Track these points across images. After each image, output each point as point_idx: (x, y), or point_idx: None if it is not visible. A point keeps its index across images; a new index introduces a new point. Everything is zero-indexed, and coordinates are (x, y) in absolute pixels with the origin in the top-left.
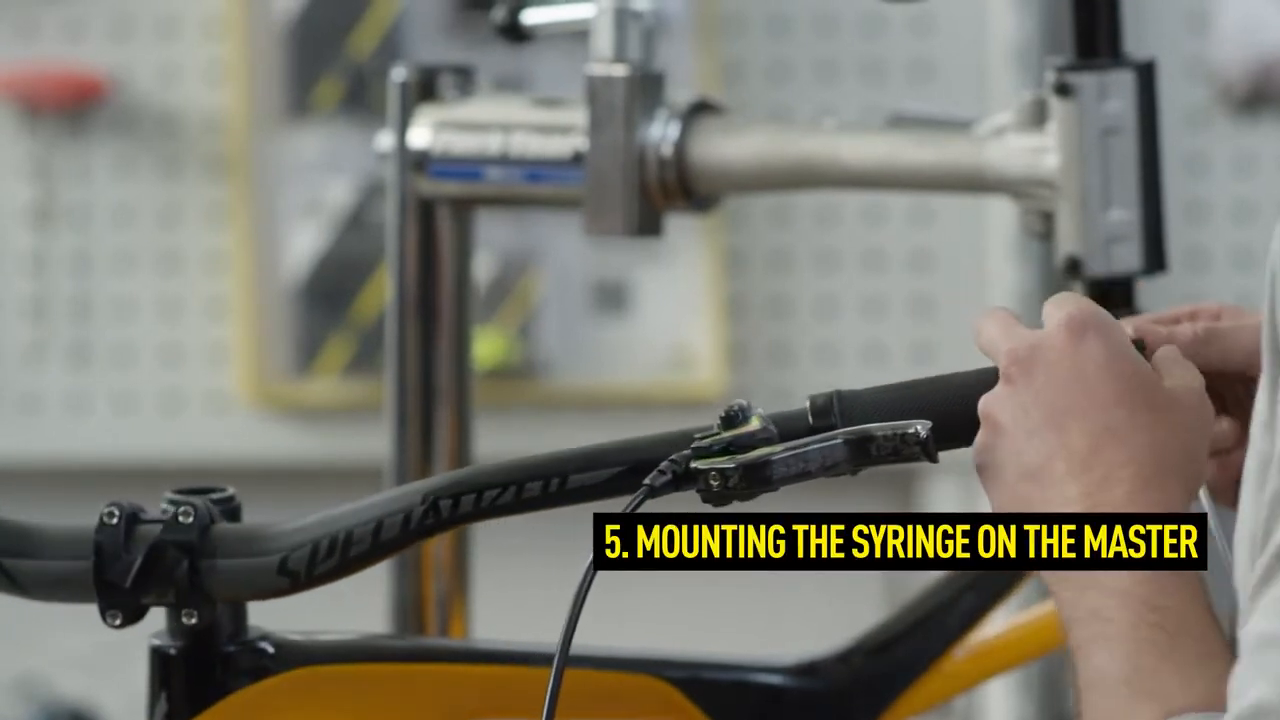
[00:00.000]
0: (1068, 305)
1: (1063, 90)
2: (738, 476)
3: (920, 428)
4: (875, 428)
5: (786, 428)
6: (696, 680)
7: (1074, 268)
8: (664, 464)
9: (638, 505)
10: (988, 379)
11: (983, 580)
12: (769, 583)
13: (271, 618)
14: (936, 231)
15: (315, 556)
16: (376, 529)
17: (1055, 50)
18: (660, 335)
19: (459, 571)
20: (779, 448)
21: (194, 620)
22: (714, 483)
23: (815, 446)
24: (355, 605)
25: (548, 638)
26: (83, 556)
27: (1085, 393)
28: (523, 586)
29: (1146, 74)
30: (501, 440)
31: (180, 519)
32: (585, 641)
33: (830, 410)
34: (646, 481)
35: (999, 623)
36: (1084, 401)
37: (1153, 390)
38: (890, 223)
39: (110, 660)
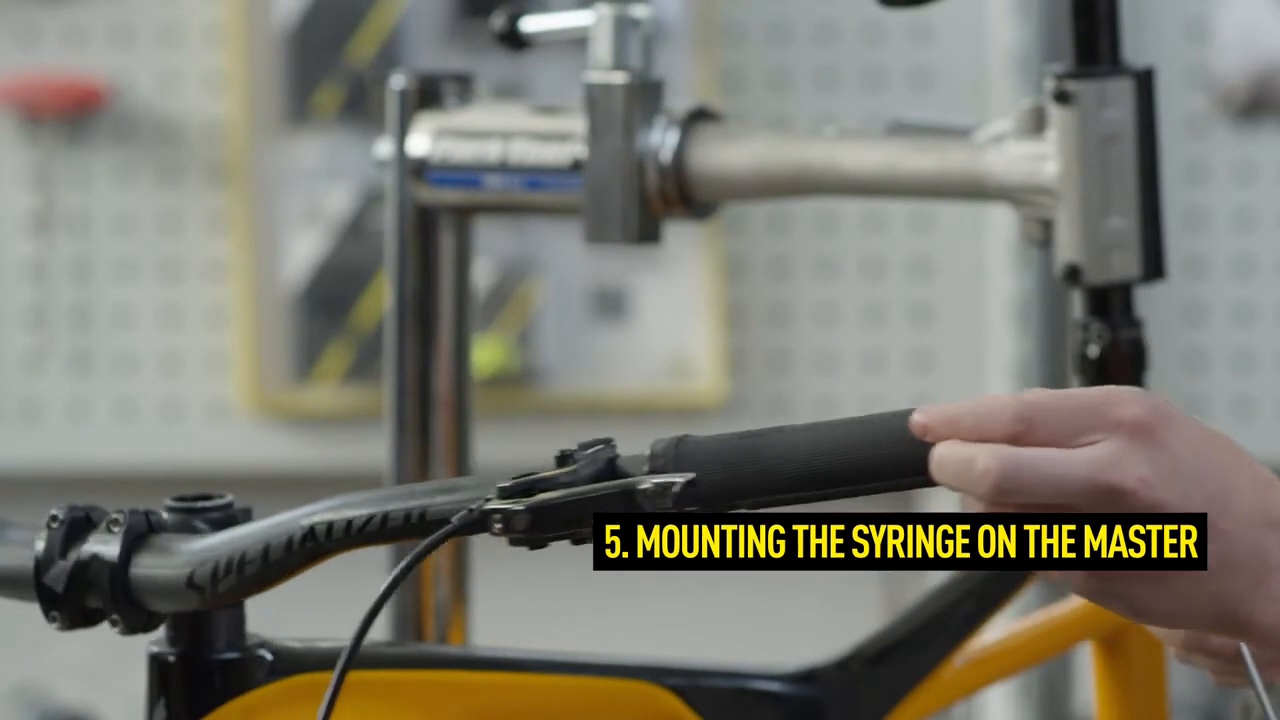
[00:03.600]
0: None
1: (1062, 98)
2: (521, 520)
3: (679, 481)
4: (642, 480)
5: (626, 470)
6: (695, 688)
7: (1073, 275)
8: (476, 504)
9: (436, 545)
10: (835, 434)
11: (982, 587)
12: (768, 589)
13: (270, 625)
14: (936, 239)
15: (216, 574)
16: (265, 551)
17: (1055, 58)
18: (660, 342)
19: (458, 578)
20: (559, 494)
21: (120, 628)
22: (496, 525)
23: (591, 495)
24: (354, 612)
25: (548, 644)
26: (28, 557)
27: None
28: (522, 593)
29: (1146, 81)
30: (501, 448)
31: (111, 528)
32: (584, 648)
33: (668, 455)
34: (454, 520)
35: (998, 630)
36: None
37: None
38: (890, 230)
39: (109, 668)
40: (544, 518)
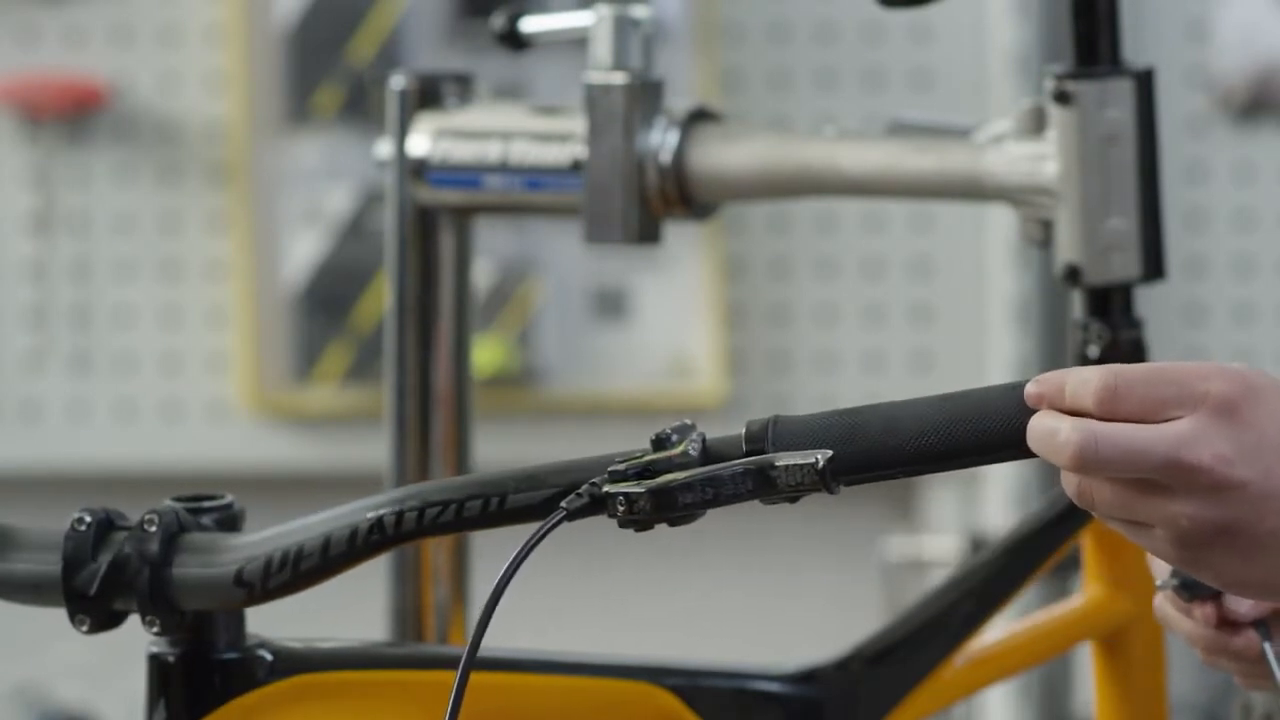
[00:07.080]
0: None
1: (1062, 98)
2: (644, 501)
3: (820, 458)
4: (778, 457)
5: (721, 452)
6: (695, 688)
7: (1073, 275)
8: (583, 488)
9: (552, 528)
10: (944, 407)
11: (982, 587)
12: (768, 589)
13: (270, 625)
14: (936, 239)
15: (269, 569)
16: (325, 544)
17: (1055, 58)
18: (660, 343)
19: (458, 578)
20: (685, 474)
21: (156, 628)
22: (620, 508)
23: (721, 474)
24: (354, 612)
25: (548, 644)
26: (53, 561)
27: None
28: (522, 593)
29: (1146, 82)
30: (501, 448)
31: (145, 528)
32: (584, 648)
33: (764, 436)
34: (563, 505)
35: (998, 630)
36: None
37: None
38: (890, 230)
39: (109, 668)
40: (666, 499)
